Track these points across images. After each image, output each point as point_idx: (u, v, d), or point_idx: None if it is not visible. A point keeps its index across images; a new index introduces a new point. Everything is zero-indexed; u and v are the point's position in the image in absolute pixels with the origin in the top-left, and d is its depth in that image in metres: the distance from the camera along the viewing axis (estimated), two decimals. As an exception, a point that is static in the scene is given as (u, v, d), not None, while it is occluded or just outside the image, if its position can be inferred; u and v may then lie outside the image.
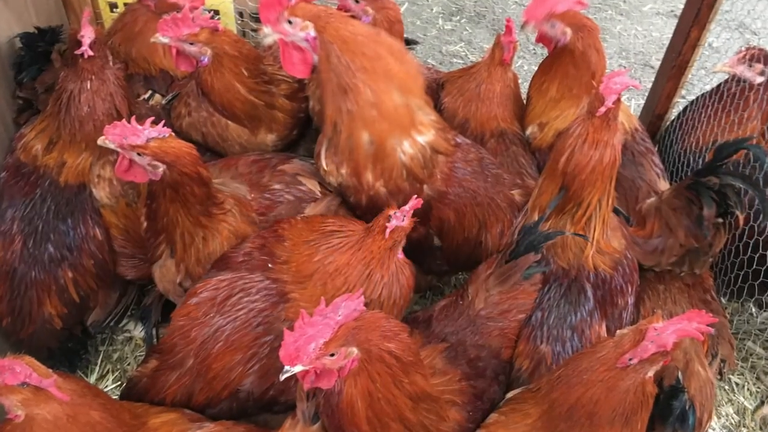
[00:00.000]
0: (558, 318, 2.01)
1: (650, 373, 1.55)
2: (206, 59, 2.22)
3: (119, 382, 2.46)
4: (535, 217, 2.02)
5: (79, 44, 2.11)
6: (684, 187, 2.13)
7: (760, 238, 2.26)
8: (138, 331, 2.56)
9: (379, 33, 1.98)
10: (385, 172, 2.01)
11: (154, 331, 2.21)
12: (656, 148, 2.70)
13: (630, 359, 1.53)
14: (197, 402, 1.85)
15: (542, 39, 2.48)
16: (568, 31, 2.37)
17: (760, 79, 2.51)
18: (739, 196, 2.02)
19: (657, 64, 3.12)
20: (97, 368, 2.49)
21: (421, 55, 4.14)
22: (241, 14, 3.20)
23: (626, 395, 1.55)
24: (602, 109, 1.84)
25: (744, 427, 2.49)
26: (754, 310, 2.80)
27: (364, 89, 1.88)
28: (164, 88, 2.78)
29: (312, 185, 2.21)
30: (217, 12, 3.09)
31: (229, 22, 3.12)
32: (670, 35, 2.77)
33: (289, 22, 1.86)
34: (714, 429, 2.48)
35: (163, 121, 1.87)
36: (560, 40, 2.40)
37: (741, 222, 2.09)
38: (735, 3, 3.74)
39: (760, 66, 2.51)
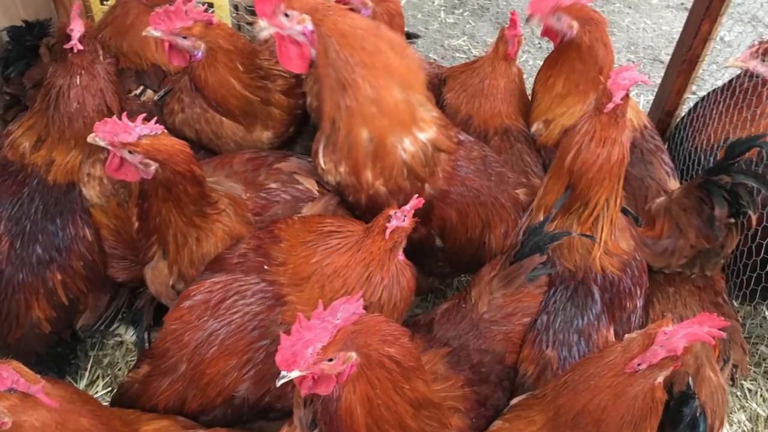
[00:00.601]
0: (564, 321, 2.01)
1: (660, 379, 1.55)
2: (200, 54, 2.22)
3: (110, 388, 2.46)
4: (541, 217, 2.02)
5: (69, 38, 2.11)
6: (695, 186, 2.13)
7: (774, 239, 2.26)
8: (129, 336, 2.56)
9: (379, 26, 1.98)
10: (385, 170, 2.01)
11: (145, 336, 2.21)
12: (666, 146, 2.70)
13: (639, 364, 1.53)
14: (190, 409, 1.85)
15: (548, 33, 2.48)
16: (575, 24, 2.37)
17: (773, 74, 2.51)
18: (752, 195, 2.02)
19: (667, 58, 3.12)
20: (87, 374, 2.49)
21: (423, 50, 4.14)
22: (236, 7, 3.20)
23: (635, 402, 1.55)
24: (610, 106, 1.84)
25: (757, 434, 2.50)
26: (767, 313, 2.80)
27: (363, 85, 1.88)
28: (156, 83, 2.78)
29: (309, 184, 2.21)
30: (211, 5, 3.09)
31: (223, 15, 3.12)
32: (680, 29, 2.77)
33: (286, 15, 1.86)
34: (726, 437, 2.48)
35: (155, 118, 1.87)
36: (566, 33, 2.41)
37: (754, 222, 2.09)
38: (747, -5, 3.75)
39: (773, 61, 2.51)
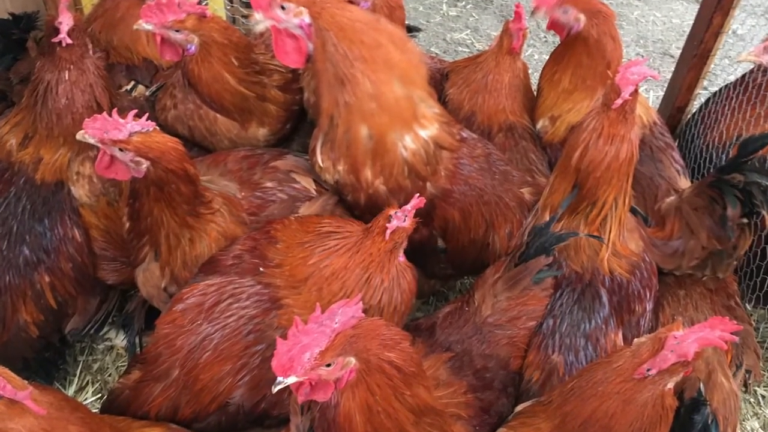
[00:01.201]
0: (571, 325, 2.01)
1: (670, 385, 1.55)
2: (193, 48, 2.22)
3: (100, 395, 2.46)
4: (547, 217, 2.02)
5: (57, 31, 2.11)
6: (706, 185, 2.13)
7: (788, 240, 2.26)
8: (120, 340, 2.56)
9: (379, 20, 1.98)
10: (385, 168, 2.01)
11: (137, 340, 2.21)
12: (676, 143, 2.70)
13: (648, 370, 1.53)
14: (183, 416, 1.85)
15: (554, 26, 2.48)
16: (582, 17, 2.37)
17: (787, 69, 2.52)
18: (766, 194, 2.02)
19: (677, 52, 3.13)
20: (76, 379, 2.49)
21: (424, 44, 4.14)
22: (230, -1, 3.20)
23: (644, 408, 1.55)
24: (618, 102, 1.84)
25: (770, 442, 2.50)
26: (781, 316, 2.80)
27: (362, 80, 1.88)
28: (148, 78, 2.78)
29: (307, 183, 2.21)
30: (204, -3, 3.09)
31: (217, 7, 3.13)
32: (692, 22, 2.78)
33: (282, 8, 1.86)
34: (738, 444, 2.48)
35: (146, 114, 1.87)
36: (573, 27, 2.41)
37: (767, 222, 2.09)
38: (761, -13, 3.76)
39: (788, 55, 2.52)
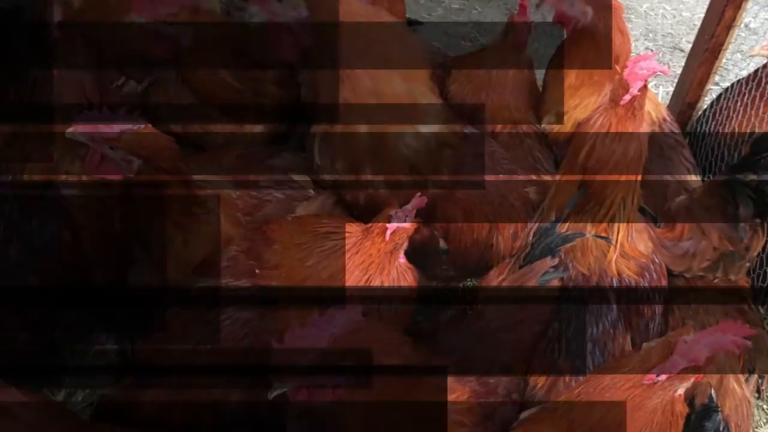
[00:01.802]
0: (577, 329, 2.01)
1: (680, 391, 1.55)
2: (187, 42, 2.22)
3: (90, 401, 2.45)
4: (552, 218, 2.02)
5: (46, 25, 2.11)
6: (718, 183, 2.13)
7: (803, 241, 2.25)
8: (111, 345, 2.56)
9: (379, 13, 1.98)
10: (386, 167, 2.01)
11: (128, 345, 2.21)
12: (687, 141, 2.70)
13: (658, 375, 1.53)
14: (176, 423, 1.85)
15: (560, 19, 2.48)
16: (589, 10, 2.38)
17: (802, 64, 2.52)
18: (780, 193, 2.02)
19: (688, 47, 3.13)
20: (66, 385, 2.49)
21: (426, 38, 4.14)
22: (225, -8, 3.20)
23: (653, 415, 1.55)
24: (627, 98, 1.85)
25: (784, 450, 2.49)
26: (795, 320, 2.79)
27: (362, 76, 1.88)
28: (140, 73, 2.78)
29: (304, 182, 2.21)
30: (198, -11, 3.09)
31: (212, 0, 3.12)
32: (702, 15, 2.77)
33: (279, 1, 1.86)
34: (751, 453, 2.48)
35: (138, 111, 1.87)
36: (580, 20, 2.41)
37: (781, 223, 2.09)
38: (774, -21, 3.76)
39: (802, 49, 2.52)
